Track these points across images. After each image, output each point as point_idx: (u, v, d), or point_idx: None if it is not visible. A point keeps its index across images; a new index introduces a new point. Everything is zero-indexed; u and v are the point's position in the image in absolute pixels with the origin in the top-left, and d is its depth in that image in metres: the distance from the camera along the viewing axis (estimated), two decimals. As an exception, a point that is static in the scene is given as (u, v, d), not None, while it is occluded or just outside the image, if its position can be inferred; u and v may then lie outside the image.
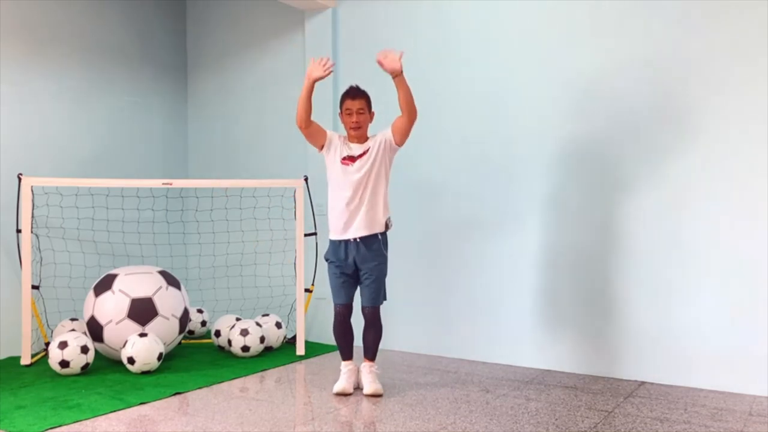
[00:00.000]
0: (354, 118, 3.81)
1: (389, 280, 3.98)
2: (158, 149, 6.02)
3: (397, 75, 3.67)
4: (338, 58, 5.26)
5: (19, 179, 4.61)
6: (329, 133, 3.89)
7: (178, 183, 5.08)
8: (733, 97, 3.84)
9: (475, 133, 4.68)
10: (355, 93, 3.85)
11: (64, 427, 3.29)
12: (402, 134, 3.80)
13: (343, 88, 5.25)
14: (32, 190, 4.61)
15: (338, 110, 3.95)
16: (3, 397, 3.78)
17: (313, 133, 3.83)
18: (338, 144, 3.87)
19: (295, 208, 4.94)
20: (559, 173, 4.37)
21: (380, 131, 3.87)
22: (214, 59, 6.10)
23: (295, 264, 4.99)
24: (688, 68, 3.95)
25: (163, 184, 4.97)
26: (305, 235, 4.98)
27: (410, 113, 3.74)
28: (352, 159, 3.83)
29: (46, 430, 3.24)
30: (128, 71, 5.78)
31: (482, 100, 4.65)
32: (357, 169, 3.81)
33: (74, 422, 3.35)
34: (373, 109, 3.91)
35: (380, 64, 3.69)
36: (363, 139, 3.88)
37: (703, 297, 3.92)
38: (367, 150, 3.84)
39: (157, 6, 6.03)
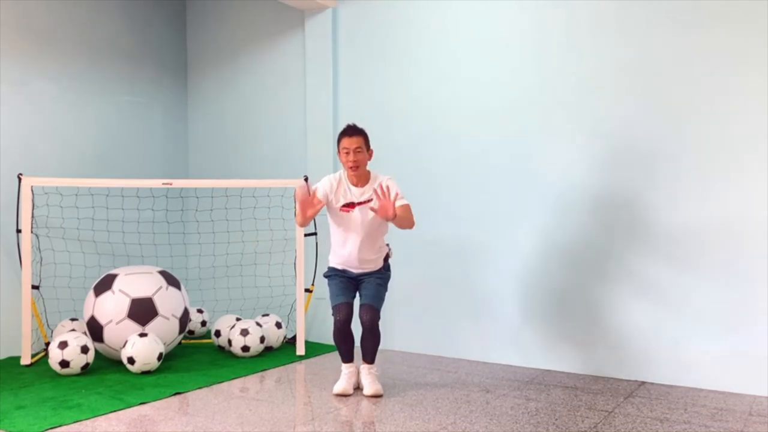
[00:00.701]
0: (352, 158, 3.73)
1: (391, 281, 3.99)
2: (158, 149, 6.01)
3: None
4: (338, 58, 5.26)
5: (19, 179, 4.61)
6: (321, 195, 3.78)
7: (178, 183, 5.08)
8: (731, 96, 3.84)
9: (474, 132, 4.67)
10: (352, 132, 3.77)
11: (64, 427, 3.29)
12: None
13: (342, 94, 5.27)
14: (32, 190, 4.61)
15: (336, 148, 3.86)
16: (3, 397, 3.78)
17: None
18: (335, 191, 3.80)
19: (295, 207, 4.93)
20: (560, 174, 4.37)
21: (384, 177, 3.78)
22: (214, 59, 6.10)
23: (295, 264, 4.99)
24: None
25: (163, 184, 4.97)
26: (305, 235, 4.98)
27: (404, 228, 3.77)
28: (352, 205, 3.78)
29: (46, 430, 3.24)
30: (128, 71, 5.77)
31: (482, 100, 4.65)
32: (358, 223, 3.77)
33: (74, 422, 3.35)
34: (371, 147, 3.83)
35: (374, 211, 3.66)
36: (363, 179, 3.81)
37: (702, 297, 3.92)
38: (369, 200, 3.77)
39: (157, 5, 6.03)
